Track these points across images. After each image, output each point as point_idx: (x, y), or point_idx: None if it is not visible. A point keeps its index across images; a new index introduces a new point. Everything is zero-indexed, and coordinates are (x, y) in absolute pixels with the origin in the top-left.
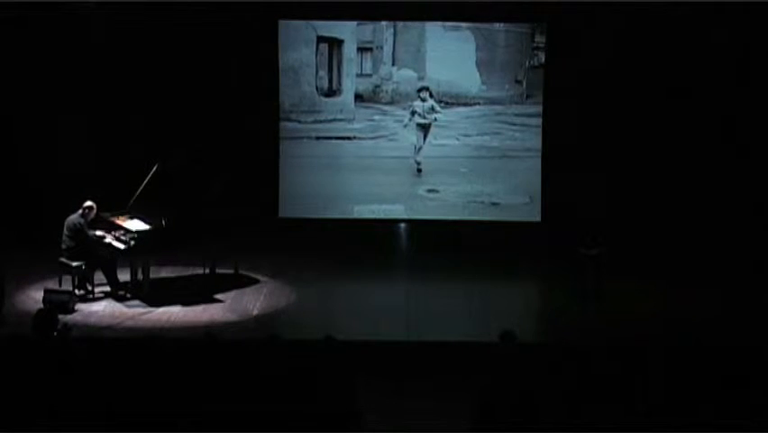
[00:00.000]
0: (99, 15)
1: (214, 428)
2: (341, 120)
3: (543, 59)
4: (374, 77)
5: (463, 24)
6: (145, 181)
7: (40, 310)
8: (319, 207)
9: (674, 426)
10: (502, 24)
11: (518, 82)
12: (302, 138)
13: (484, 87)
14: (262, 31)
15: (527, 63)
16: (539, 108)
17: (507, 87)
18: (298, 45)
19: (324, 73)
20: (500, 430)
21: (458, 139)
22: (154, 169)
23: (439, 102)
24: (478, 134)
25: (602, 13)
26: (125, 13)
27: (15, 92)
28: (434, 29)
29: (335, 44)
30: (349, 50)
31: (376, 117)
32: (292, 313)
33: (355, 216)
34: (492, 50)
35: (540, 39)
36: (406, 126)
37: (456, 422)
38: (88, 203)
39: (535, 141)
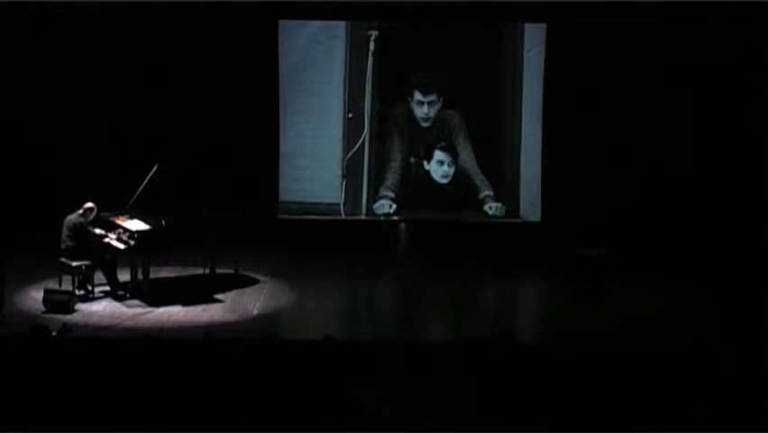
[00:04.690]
0: (99, 15)
1: (214, 428)
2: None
3: (544, 56)
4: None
5: None
6: (145, 181)
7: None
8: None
9: (673, 426)
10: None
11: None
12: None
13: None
14: (262, 30)
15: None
16: (539, 107)
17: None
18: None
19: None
20: (500, 430)
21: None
22: (154, 169)
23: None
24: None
25: (602, 13)
26: (125, 12)
27: (15, 93)
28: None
29: None
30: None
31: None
32: (292, 313)
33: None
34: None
35: (541, 35)
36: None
37: (456, 422)
38: (89, 204)
39: (535, 140)
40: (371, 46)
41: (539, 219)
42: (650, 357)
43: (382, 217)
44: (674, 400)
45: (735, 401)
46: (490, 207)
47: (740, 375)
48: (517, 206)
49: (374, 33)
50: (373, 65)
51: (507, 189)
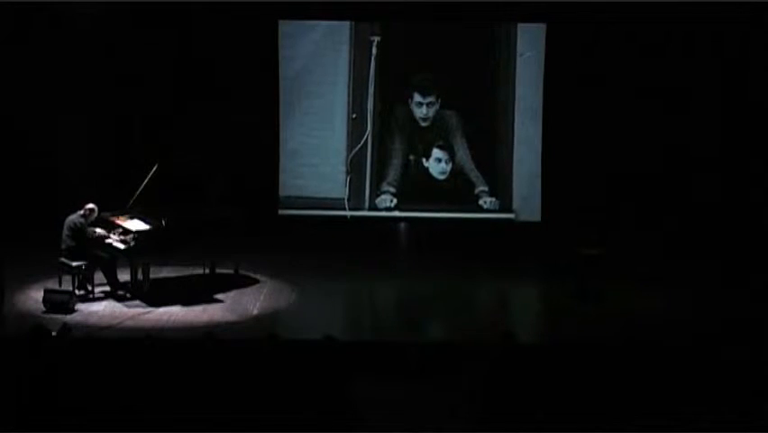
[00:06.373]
0: (99, 15)
1: (214, 428)
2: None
3: (543, 57)
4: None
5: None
6: (145, 181)
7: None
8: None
9: (673, 426)
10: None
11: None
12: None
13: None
14: (263, 30)
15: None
16: (539, 107)
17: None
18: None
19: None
20: (500, 430)
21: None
22: (154, 169)
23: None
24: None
25: (601, 14)
26: (125, 12)
27: (16, 92)
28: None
29: None
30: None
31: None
32: (292, 313)
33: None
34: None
35: (536, 38)
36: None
37: (456, 422)
38: (90, 205)
39: (535, 140)
40: (374, 51)
41: (539, 219)
42: (650, 357)
43: (384, 211)
44: (674, 400)
45: (735, 401)
46: (485, 202)
47: (740, 375)
48: (510, 201)
49: (376, 39)
50: (375, 68)
51: (501, 185)
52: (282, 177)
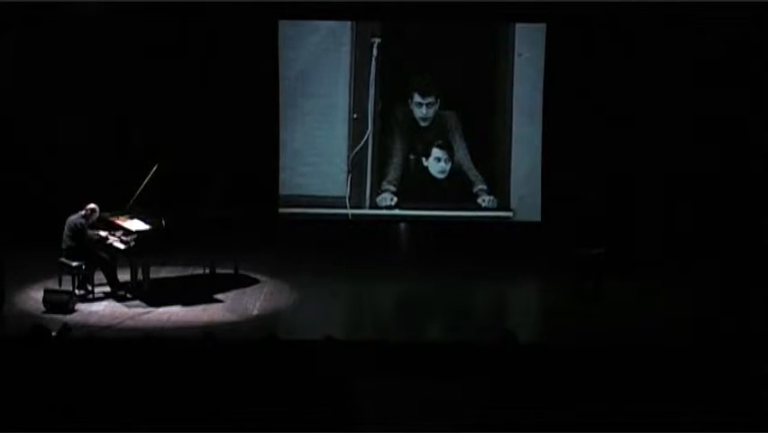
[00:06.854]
0: (99, 15)
1: (213, 429)
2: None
3: (543, 57)
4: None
5: None
6: (145, 181)
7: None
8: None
9: (673, 426)
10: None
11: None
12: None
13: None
14: (262, 30)
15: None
16: (538, 107)
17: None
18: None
19: None
20: (500, 430)
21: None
22: (154, 169)
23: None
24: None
25: (601, 13)
26: (125, 12)
27: (16, 92)
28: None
29: None
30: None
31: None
32: (292, 313)
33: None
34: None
35: (535, 39)
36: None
37: (456, 422)
38: (91, 205)
39: (534, 140)
40: (374, 52)
41: (538, 218)
42: (650, 357)
43: (384, 210)
44: (674, 400)
45: (734, 401)
46: (483, 200)
47: (740, 375)
48: (509, 200)
49: (377, 41)
50: (376, 69)
51: (498, 184)
52: (283, 176)
